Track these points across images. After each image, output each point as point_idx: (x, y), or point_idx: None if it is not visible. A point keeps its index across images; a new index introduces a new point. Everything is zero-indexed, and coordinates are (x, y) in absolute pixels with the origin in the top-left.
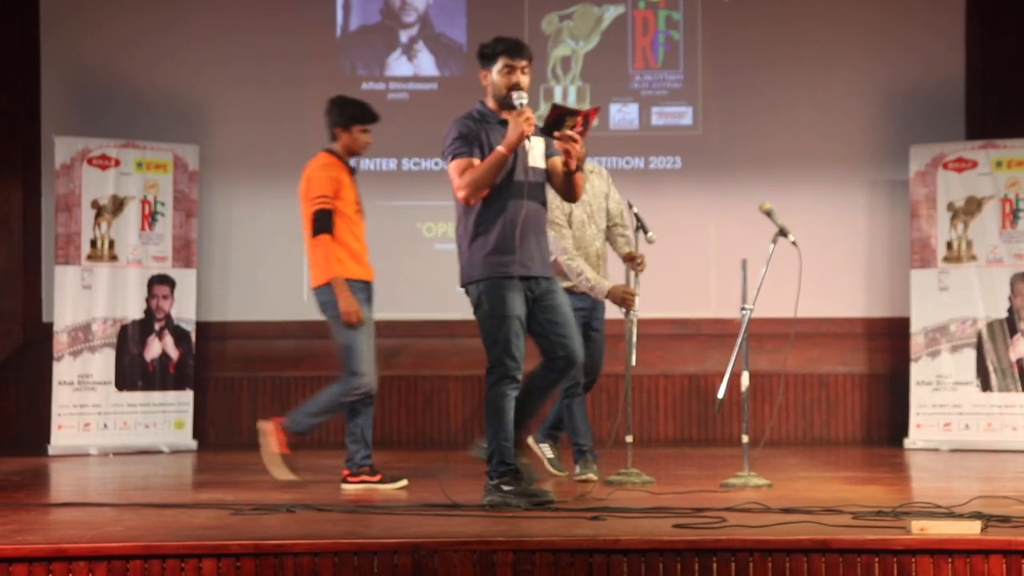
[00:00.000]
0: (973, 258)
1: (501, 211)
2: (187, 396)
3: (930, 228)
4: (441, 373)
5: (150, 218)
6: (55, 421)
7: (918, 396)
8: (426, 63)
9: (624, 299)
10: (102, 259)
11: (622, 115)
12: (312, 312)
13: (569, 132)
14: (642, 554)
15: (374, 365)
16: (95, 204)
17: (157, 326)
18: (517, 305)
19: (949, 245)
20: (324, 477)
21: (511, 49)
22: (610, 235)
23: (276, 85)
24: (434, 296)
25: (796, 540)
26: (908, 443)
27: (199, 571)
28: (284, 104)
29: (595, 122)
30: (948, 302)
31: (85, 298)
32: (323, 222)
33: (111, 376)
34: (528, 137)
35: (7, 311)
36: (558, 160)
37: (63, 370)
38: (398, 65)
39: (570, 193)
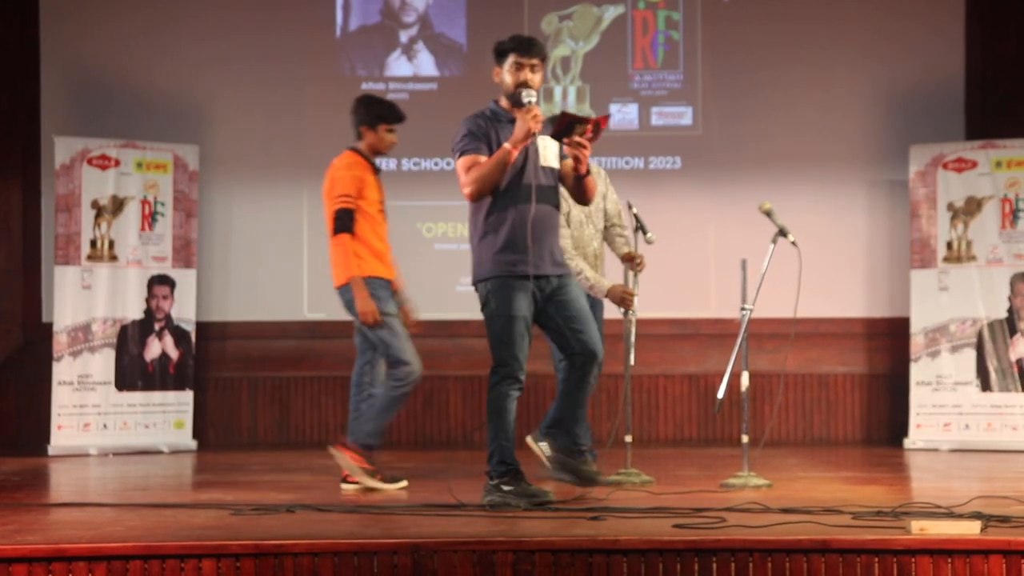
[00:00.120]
0: (973, 258)
1: (511, 209)
2: (187, 396)
3: (930, 228)
4: (441, 373)
5: (150, 218)
6: (55, 421)
7: (918, 396)
8: (426, 63)
9: (623, 299)
10: (102, 259)
11: (622, 115)
12: (312, 312)
13: (578, 139)
14: (642, 554)
15: (415, 353)
16: (95, 204)
17: (157, 326)
18: (523, 305)
19: (949, 245)
20: (324, 477)
21: (522, 46)
22: (608, 235)
23: (276, 85)
24: (434, 296)
25: (796, 540)
26: (908, 443)
27: (199, 571)
28: (284, 104)
29: (606, 128)
30: (948, 302)
31: (85, 298)
32: (343, 221)
33: (111, 376)
34: (534, 134)
35: (7, 311)
36: (569, 163)
37: (63, 370)
38: (398, 65)
39: (581, 196)
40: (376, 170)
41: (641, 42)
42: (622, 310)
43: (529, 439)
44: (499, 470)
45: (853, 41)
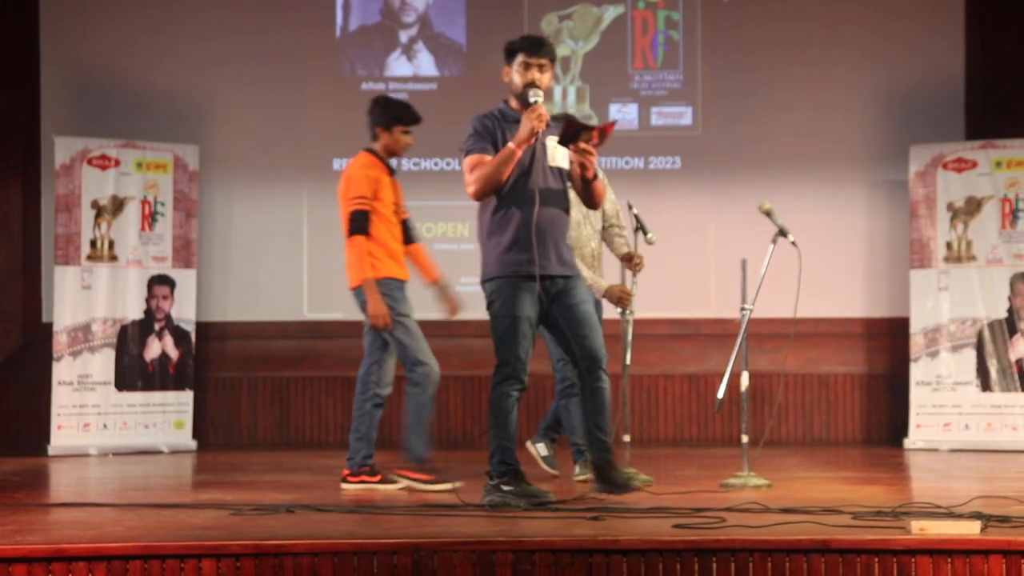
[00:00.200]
0: (973, 258)
1: (517, 209)
2: (187, 396)
3: (930, 228)
4: (441, 373)
5: (150, 218)
6: (55, 421)
7: (918, 396)
8: (426, 63)
9: (620, 299)
10: (102, 259)
11: (622, 115)
12: (312, 312)
13: (584, 146)
14: (642, 554)
15: (431, 354)
16: (95, 204)
17: (157, 326)
18: (528, 306)
19: (949, 245)
20: (324, 477)
21: (530, 46)
22: (607, 236)
23: (276, 85)
24: (434, 297)
25: (796, 540)
26: (908, 443)
27: (199, 571)
28: (284, 104)
29: (612, 133)
30: (948, 302)
31: (85, 298)
32: (358, 223)
33: (111, 376)
34: (538, 134)
35: (7, 311)
36: (576, 168)
37: (63, 370)
38: (397, 65)
39: (590, 200)
40: (391, 171)
41: (641, 42)
42: (619, 310)
43: (528, 443)
44: (499, 470)
45: (853, 41)
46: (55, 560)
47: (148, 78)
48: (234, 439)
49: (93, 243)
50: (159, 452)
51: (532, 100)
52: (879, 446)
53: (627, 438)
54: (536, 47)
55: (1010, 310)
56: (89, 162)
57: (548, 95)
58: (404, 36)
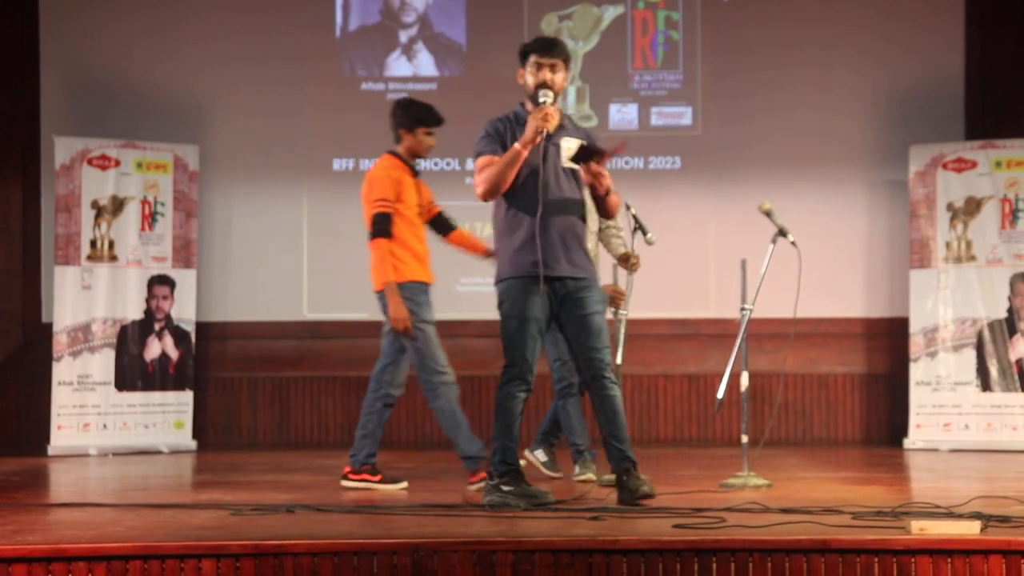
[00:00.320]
0: (972, 258)
1: (525, 210)
2: (187, 396)
3: (929, 228)
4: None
5: (150, 218)
6: (55, 421)
7: (917, 396)
8: (425, 63)
9: (613, 298)
10: (102, 259)
11: (621, 115)
12: (312, 312)
13: (596, 168)
14: (642, 554)
15: (446, 359)
16: (95, 204)
17: (157, 326)
18: (536, 307)
19: (948, 245)
20: (324, 477)
21: (541, 47)
22: (604, 237)
23: (276, 85)
24: (434, 296)
25: (796, 540)
26: (908, 443)
27: (199, 571)
28: (284, 104)
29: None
30: (947, 302)
31: (85, 298)
32: (381, 226)
33: (111, 376)
34: (543, 133)
35: (7, 311)
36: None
37: (63, 370)
38: (397, 65)
39: (604, 211)
40: (415, 172)
41: (641, 42)
42: (612, 309)
43: (527, 452)
44: (500, 469)
45: (853, 41)
46: (55, 560)
47: (148, 78)
48: (234, 439)
49: (93, 243)
50: (159, 452)
51: (541, 100)
52: (879, 446)
53: None
54: (547, 47)
55: (1010, 310)
56: (89, 162)
57: (565, 95)
58: (404, 36)
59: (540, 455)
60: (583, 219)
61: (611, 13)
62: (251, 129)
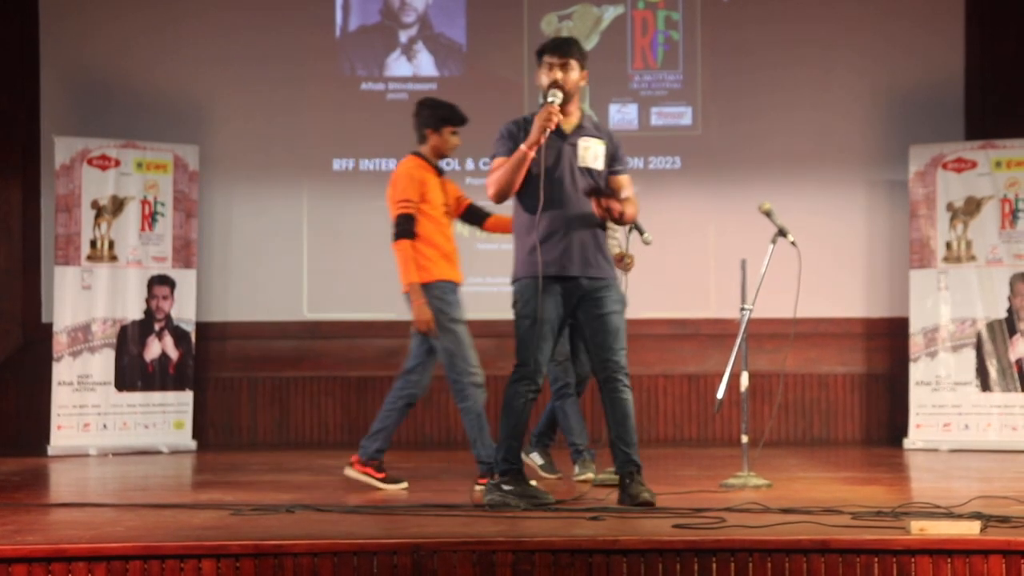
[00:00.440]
0: (972, 258)
1: (540, 210)
2: (187, 396)
3: (929, 228)
4: (442, 373)
5: (150, 218)
6: (54, 421)
7: (917, 396)
8: (425, 63)
9: None
10: (102, 259)
11: (621, 115)
12: (312, 312)
13: (606, 203)
14: (642, 554)
15: (477, 360)
16: (95, 204)
17: (157, 326)
18: (548, 308)
19: (948, 245)
20: (324, 477)
21: (553, 47)
22: None
23: (276, 85)
24: None
25: (796, 540)
26: (907, 443)
27: (199, 571)
28: (284, 104)
29: None
30: (947, 302)
31: (85, 298)
32: (404, 227)
33: (111, 376)
34: (546, 132)
35: (7, 311)
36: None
37: (63, 370)
38: (397, 65)
39: (617, 221)
40: (440, 172)
41: (641, 42)
42: None
43: (522, 455)
44: (502, 467)
45: (853, 41)
46: (55, 560)
47: (148, 78)
48: (234, 439)
49: (93, 243)
50: (159, 452)
51: (548, 100)
52: (879, 446)
53: None
54: (558, 47)
55: (1010, 310)
56: (89, 162)
57: (583, 94)
58: (404, 36)
59: (536, 458)
60: (601, 219)
61: (611, 13)
62: (251, 129)
